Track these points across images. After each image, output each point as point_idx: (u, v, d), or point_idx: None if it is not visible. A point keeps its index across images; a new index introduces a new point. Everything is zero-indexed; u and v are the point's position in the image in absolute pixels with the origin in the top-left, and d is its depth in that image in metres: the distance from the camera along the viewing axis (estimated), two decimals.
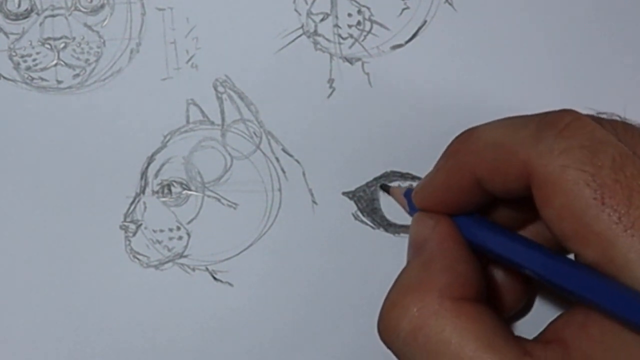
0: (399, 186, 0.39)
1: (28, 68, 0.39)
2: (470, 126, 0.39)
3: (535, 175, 0.28)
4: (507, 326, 0.30)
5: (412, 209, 0.35)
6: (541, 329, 0.32)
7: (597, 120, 0.30)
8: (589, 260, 0.28)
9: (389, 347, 0.31)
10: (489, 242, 0.32)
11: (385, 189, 0.39)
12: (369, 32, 0.40)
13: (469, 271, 0.31)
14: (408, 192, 0.36)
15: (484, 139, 0.31)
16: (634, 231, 0.26)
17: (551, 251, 0.31)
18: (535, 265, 0.30)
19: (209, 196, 0.39)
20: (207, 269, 0.39)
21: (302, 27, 0.40)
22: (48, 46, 0.39)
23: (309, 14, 0.40)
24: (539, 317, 0.38)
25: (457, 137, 0.32)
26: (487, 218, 0.34)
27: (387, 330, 0.31)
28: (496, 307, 0.36)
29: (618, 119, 0.38)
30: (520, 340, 0.30)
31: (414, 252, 0.33)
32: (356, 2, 0.40)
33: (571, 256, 0.30)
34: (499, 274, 0.36)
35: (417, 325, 0.29)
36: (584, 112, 0.30)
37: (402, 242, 0.39)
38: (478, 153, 0.31)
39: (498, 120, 0.31)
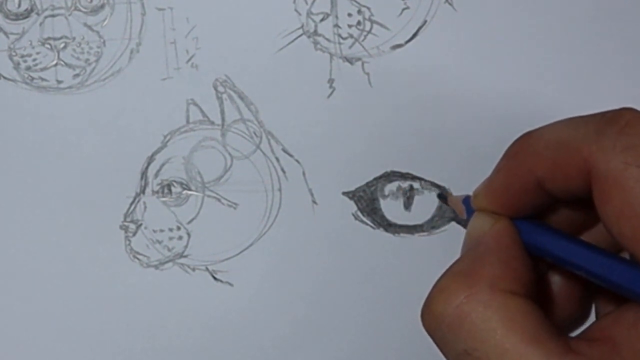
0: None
1: (28, 68, 0.39)
2: (469, 126, 0.39)
3: (596, 172, 0.29)
4: (553, 324, 0.30)
5: (469, 215, 0.35)
6: (584, 327, 0.32)
7: None
8: None
9: (430, 333, 0.31)
10: (545, 243, 0.32)
11: (443, 198, 0.38)
12: (369, 32, 0.40)
13: (522, 268, 0.31)
14: (466, 200, 0.36)
15: (545, 138, 0.31)
16: None
17: (608, 251, 0.31)
18: (591, 263, 0.30)
19: (209, 196, 0.39)
20: (207, 269, 0.39)
21: (302, 27, 0.40)
22: (48, 46, 0.39)
23: (309, 14, 0.40)
24: None
25: (516, 140, 0.32)
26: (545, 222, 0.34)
27: (431, 315, 0.31)
28: (552, 315, 0.36)
29: None
30: (565, 336, 0.30)
31: (469, 245, 0.33)
32: (356, 2, 0.40)
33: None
34: (556, 283, 0.36)
35: (464, 312, 0.30)
36: None
37: (402, 242, 0.39)
38: (539, 153, 0.31)
39: (557, 121, 0.31)
